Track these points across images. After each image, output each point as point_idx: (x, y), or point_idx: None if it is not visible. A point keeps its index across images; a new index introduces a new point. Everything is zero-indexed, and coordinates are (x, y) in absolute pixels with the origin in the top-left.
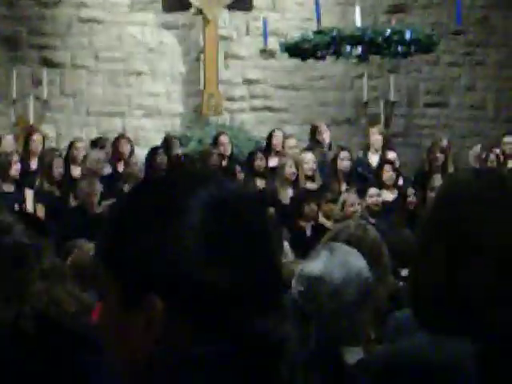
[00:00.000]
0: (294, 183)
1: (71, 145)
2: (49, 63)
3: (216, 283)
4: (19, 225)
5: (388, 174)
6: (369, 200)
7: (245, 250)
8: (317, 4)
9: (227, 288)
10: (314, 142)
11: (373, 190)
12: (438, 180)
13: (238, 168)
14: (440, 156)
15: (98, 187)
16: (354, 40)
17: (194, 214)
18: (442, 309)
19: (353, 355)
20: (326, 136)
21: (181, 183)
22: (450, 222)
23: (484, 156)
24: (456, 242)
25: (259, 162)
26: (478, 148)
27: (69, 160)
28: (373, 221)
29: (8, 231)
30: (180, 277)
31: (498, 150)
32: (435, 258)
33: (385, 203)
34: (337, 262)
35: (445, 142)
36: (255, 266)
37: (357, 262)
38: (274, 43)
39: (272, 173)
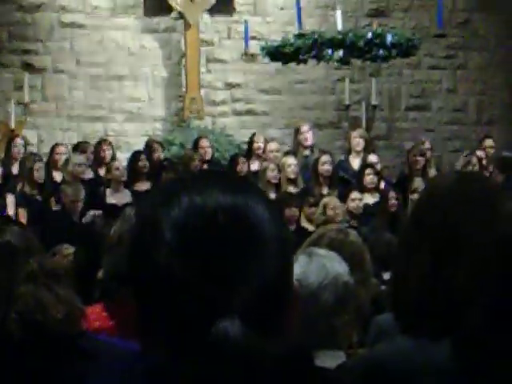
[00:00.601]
0: (276, 187)
1: (53, 149)
2: (30, 68)
3: (185, 283)
4: (14, 226)
5: (369, 177)
6: (350, 203)
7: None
8: (298, 8)
9: (197, 291)
10: (297, 145)
11: (354, 194)
12: (418, 183)
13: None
14: (420, 159)
15: (83, 193)
16: (335, 44)
17: (170, 225)
18: (423, 312)
19: (334, 359)
20: (308, 137)
21: (161, 191)
22: (433, 225)
23: (466, 159)
24: (439, 244)
25: (241, 166)
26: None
27: (50, 164)
28: (354, 224)
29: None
30: (151, 276)
31: (479, 153)
32: (417, 261)
33: (366, 206)
34: (314, 267)
35: (427, 145)
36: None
37: (335, 266)
38: (255, 47)
39: (254, 177)
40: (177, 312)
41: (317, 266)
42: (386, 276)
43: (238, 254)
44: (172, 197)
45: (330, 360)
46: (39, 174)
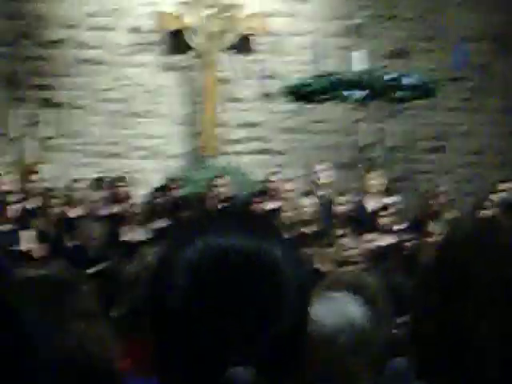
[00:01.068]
0: (292, 227)
1: (69, 185)
2: (47, 103)
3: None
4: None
5: (384, 219)
6: (364, 245)
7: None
8: (317, 48)
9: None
10: (313, 186)
11: (368, 235)
12: (433, 226)
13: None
14: (435, 202)
15: (99, 230)
16: (353, 85)
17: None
18: (439, 358)
19: None
20: (323, 175)
21: (178, 233)
22: (447, 271)
23: (479, 203)
24: (452, 290)
25: (257, 206)
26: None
27: (66, 200)
28: (368, 266)
29: (43, 265)
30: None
31: (494, 197)
32: (431, 306)
33: (380, 248)
34: (330, 310)
35: (442, 188)
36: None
37: (351, 309)
38: (273, 86)
39: (269, 216)
40: (192, 354)
41: (332, 310)
42: (401, 320)
43: (250, 300)
44: (187, 238)
45: None
46: (55, 211)
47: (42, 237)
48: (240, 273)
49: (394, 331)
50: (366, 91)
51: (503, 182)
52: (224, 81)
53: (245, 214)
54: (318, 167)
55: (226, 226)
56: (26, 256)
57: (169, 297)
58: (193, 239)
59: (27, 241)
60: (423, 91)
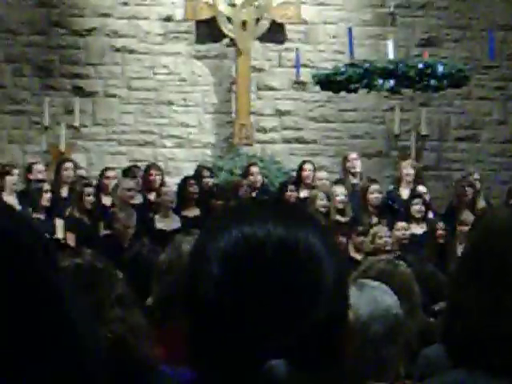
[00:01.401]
0: (325, 215)
1: (102, 173)
2: (81, 92)
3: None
4: (87, 249)
5: (417, 207)
6: (397, 233)
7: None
8: (349, 36)
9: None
10: (345, 173)
11: (401, 224)
12: (467, 214)
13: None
14: (468, 190)
15: (134, 219)
16: (386, 73)
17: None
18: (479, 346)
19: None
20: (356, 164)
21: (213, 221)
22: (485, 259)
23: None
24: (491, 278)
25: (290, 194)
26: None
27: (100, 189)
28: (402, 254)
29: (77, 254)
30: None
31: None
32: (470, 294)
33: (414, 237)
34: (364, 298)
35: (475, 176)
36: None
37: (385, 297)
38: (305, 75)
39: (302, 205)
40: (227, 344)
41: (367, 298)
42: (435, 308)
43: (288, 289)
44: (222, 227)
45: None
46: (89, 199)
47: (76, 225)
48: (277, 262)
49: (429, 319)
50: (400, 80)
51: None
52: (257, 69)
53: (280, 202)
54: (350, 156)
55: (262, 215)
56: (61, 245)
57: (203, 285)
58: (228, 228)
59: (62, 229)
60: (456, 80)
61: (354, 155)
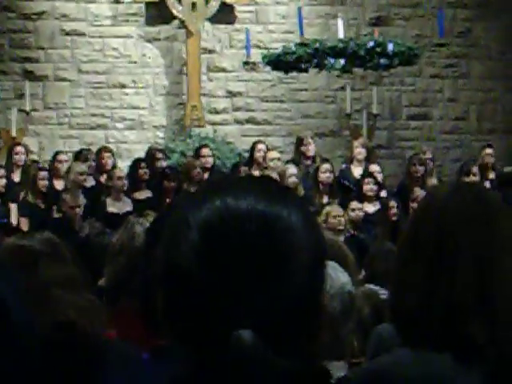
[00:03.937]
0: None
1: (54, 157)
2: (31, 76)
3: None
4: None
5: (369, 186)
6: (351, 213)
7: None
8: (299, 16)
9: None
10: (298, 154)
11: (354, 203)
12: (418, 192)
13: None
14: (420, 168)
15: (82, 200)
16: (337, 52)
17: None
18: (422, 324)
19: (336, 370)
20: (310, 148)
21: (197, 192)
22: (428, 235)
23: (466, 168)
24: (435, 254)
25: (242, 175)
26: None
27: (51, 172)
28: (355, 233)
29: (23, 236)
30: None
31: (480, 162)
32: (414, 274)
33: (367, 215)
34: None
35: (427, 154)
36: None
37: (339, 274)
38: (256, 55)
39: None
40: (200, 313)
41: None
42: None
43: (262, 264)
44: (206, 198)
45: (333, 371)
46: (43, 183)
47: (29, 210)
48: (257, 234)
49: (384, 297)
50: (350, 58)
51: (489, 146)
52: (208, 51)
53: (263, 177)
54: (305, 138)
55: (246, 189)
56: (15, 229)
57: (182, 252)
58: (212, 199)
59: (16, 214)
60: (407, 58)
61: (309, 139)
